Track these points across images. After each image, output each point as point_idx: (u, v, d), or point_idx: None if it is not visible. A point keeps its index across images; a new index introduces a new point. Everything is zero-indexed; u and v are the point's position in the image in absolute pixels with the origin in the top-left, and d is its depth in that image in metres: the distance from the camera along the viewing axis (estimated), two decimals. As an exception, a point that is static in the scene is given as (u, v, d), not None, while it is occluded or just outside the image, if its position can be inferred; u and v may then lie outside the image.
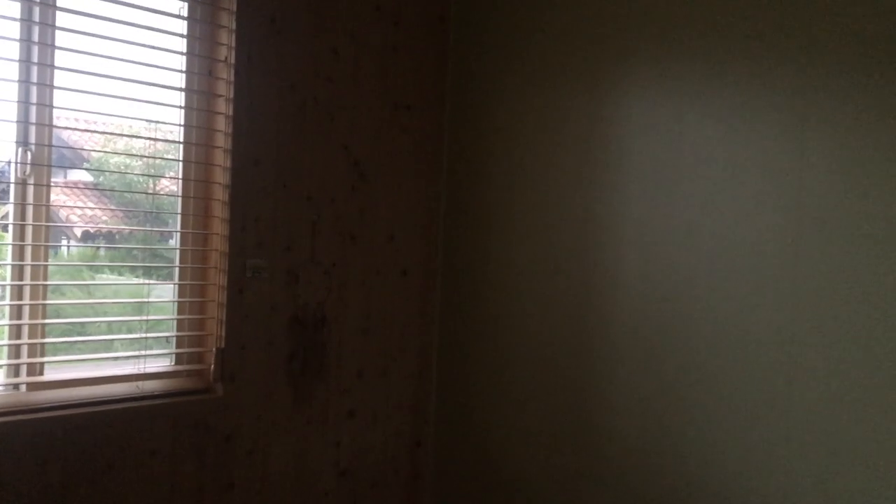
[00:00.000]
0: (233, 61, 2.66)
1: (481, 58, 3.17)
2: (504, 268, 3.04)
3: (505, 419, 3.02)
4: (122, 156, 2.71)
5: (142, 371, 2.55)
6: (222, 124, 2.68)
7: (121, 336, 2.59)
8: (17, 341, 2.34)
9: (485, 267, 3.11)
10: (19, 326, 2.34)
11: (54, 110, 2.38)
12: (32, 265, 2.35)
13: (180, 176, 2.68)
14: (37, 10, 2.33)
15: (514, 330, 3.00)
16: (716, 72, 2.41)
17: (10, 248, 2.33)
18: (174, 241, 2.72)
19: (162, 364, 2.64)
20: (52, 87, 2.36)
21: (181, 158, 2.68)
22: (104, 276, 2.68)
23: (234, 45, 2.66)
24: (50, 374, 2.42)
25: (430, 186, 3.26)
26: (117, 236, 2.81)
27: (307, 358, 2.89)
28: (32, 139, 2.34)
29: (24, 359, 2.35)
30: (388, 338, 3.15)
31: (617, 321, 2.66)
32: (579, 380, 2.77)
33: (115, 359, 2.55)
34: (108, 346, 2.59)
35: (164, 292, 2.70)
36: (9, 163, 2.34)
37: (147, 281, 2.56)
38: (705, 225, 2.43)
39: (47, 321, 2.39)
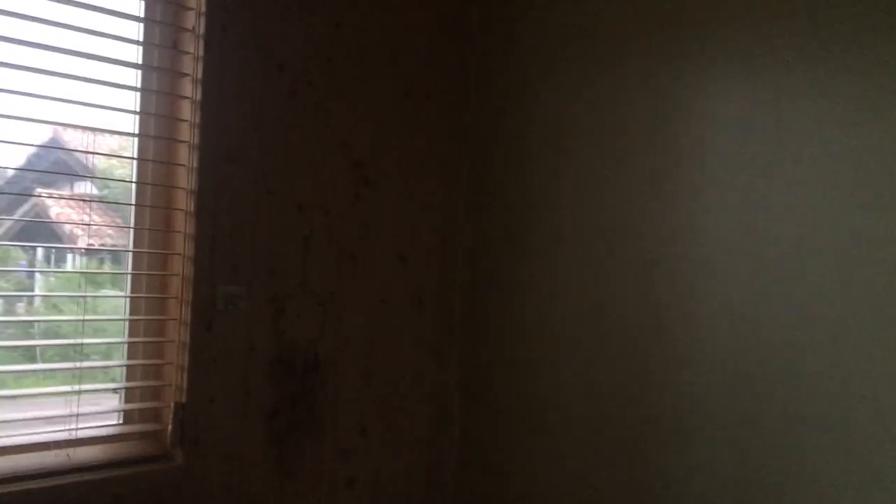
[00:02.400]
0: (202, 31, 2.05)
1: (514, 37, 2.56)
2: (543, 297, 2.43)
3: (544, 486, 2.39)
4: (58, 151, 2.09)
5: (73, 435, 1.92)
6: (188, 112, 2.07)
7: (43, 390, 1.95)
8: None
9: (518, 296, 2.50)
10: None
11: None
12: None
13: (134, 178, 2.07)
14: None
15: (556, 374, 2.38)
16: (832, 60, 1.82)
17: None
18: (125, 264, 2.10)
19: (101, 425, 2.01)
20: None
21: (135, 156, 2.07)
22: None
23: (204, 9, 2.05)
24: (-54, 443, 1.80)
25: (450, 195, 2.65)
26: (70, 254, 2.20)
27: (295, 412, 2.27)
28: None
29: None
30: (397, 384, 2.52)
31: (695, 362, 2.05)
32: (644, 437, 2.15)
33: (35, 420, 1.91)
34: (28, 401, 1.96)
35: (109, 331, 2.08)
36: None
37: (84, 316, 1.93)
38: (820, 244, 1.83)
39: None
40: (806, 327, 1.85)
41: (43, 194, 2.10)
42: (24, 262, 2.26)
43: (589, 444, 2.28)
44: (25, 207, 2.24)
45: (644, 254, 2.17)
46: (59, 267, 2.26)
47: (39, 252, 2.28)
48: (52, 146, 2.07)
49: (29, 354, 2.00)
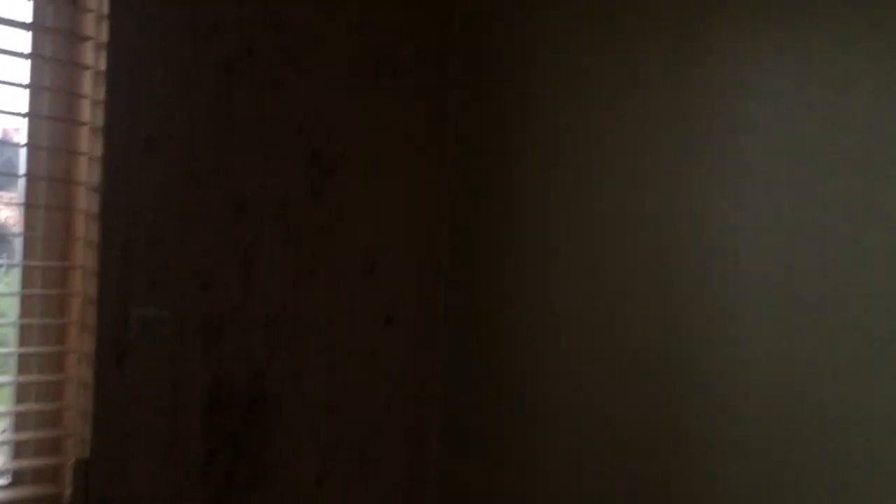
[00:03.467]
0: (109, -20, 1.60)
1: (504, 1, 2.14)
2: (544, 312, 2.03)
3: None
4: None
5: (-66, 509, 1.47)
6: (88, 85, 1.62)
7: None
8: None
9: (514, 310, 2.08)
10: None
11: None
12: None
13: (21, 171, 1.61)
14: None
15: (557, 407, 1.98)
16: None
17: None
18: (10, 283, 1.65)
19: (-22, 490, 1.56)
20: None
21: (24, 142, 1.61)
22: None
23: (110, -48, 1.60)
24: None
25: (429, 192, 2.21)
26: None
27: (237, 461, 1.82)
28: None
29: None
30: (364, 421, 2.09)
31: (721, 373, 1.66)
32: (665, 484, 1.77)
33: None
34: None
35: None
36: None
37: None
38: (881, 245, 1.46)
39: None
40: (853, 337, 1.48)
41: None
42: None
43: (591, 480, 1.88)
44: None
45: (665, 252, 1.82)
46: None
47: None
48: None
49: None
